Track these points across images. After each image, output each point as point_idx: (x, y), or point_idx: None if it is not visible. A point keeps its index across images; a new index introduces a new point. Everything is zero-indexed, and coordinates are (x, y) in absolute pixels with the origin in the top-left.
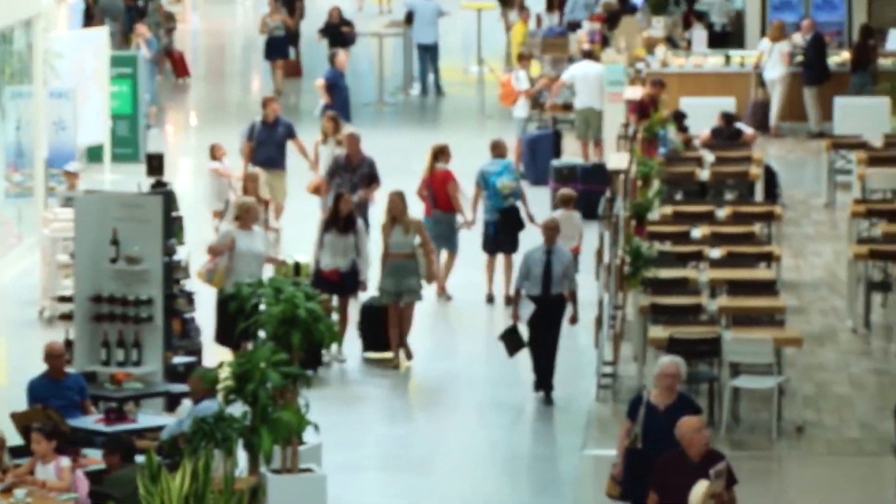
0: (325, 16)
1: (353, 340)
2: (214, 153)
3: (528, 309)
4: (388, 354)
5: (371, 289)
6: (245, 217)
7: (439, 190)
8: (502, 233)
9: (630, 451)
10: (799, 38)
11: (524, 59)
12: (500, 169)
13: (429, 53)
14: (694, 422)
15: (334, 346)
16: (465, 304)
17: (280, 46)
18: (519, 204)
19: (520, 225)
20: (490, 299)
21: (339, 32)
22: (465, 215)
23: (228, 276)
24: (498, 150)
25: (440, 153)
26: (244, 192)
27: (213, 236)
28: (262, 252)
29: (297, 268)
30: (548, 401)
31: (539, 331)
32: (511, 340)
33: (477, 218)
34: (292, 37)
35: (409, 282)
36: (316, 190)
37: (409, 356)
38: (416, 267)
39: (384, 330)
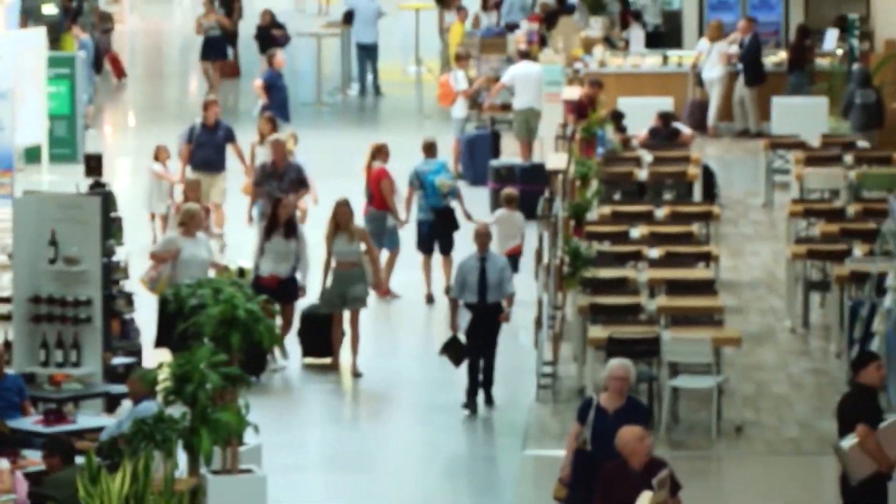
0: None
1: (291, 346)
2: (158, 155)
3: (466, 318)
4: (328, 360)
5: (311, 296)
6: (189, 224)
7: (374, 188)
8: (438, 233)
9: (579, 454)
10: (737, 38)
11: (462, 59)
12: (436, 168)
13: (368, 53)
14: (636, 431)
15: (279, 355)
16: (405, 303)
17: (216, 47)
18: (455, 204)
19: (455, 225)
20: (430, 299)
21: (269, 36)
22: (396, 215)
23: (172, 283)
24: (431, 150)
25: (378, 152)
26: (185, 200)
27: (151, 238)
28: (206, 259)
29: (241, 273)
30: (473, 408)
31: (477, 339)
32: (454, 351)
33: (410, 217)
34: (229, 37)
35: (354, 289)
36: (253, 195)
37: (356, 374)
38: (363, 275)
39: (323, 336)
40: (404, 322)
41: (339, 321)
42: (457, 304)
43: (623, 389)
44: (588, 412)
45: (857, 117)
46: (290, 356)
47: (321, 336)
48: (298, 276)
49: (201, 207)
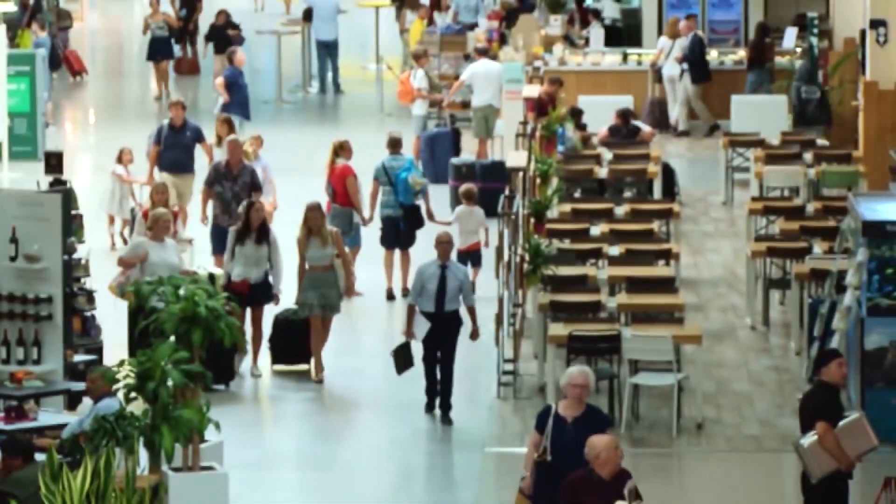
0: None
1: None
2: (121, 157)
3: (423, 327)
4: (302, 367)
5: (285, 301)
6: (157, 228)
7: (338, 184)
8: (403, 229)
9: (539, 464)
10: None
11: (421, 57)
12: (406, 165)
13: (328, 50)
14: (608, 440)
15: (249, 361)
16: (367, 300)
17: (162, 47)
18: (420, 201)
19: (421, 222)
20: (390, 295)
21: (224, 36)
22: (361, 212)
23: None
24: (396, 145)
25: (340, 149)
26: (152, 204)
27: (109, 242)
28: (175, 264)
29: (212, 280)
30: (445, 420)
31: (434, 349)
32: (401, 358)
33: (374, 214)
34: (189, 33)
35: (329, 294)
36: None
37: (319, 370)
38: (336, 279)
39: (296, 342)
40: (366, 319)
41: (318, 328)
42: (413, 310)
43: (582, 397)
44: (546, 420)
45: (802, 113)
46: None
47: (294, 342)
48: (272, 281)
49: (170, 211)
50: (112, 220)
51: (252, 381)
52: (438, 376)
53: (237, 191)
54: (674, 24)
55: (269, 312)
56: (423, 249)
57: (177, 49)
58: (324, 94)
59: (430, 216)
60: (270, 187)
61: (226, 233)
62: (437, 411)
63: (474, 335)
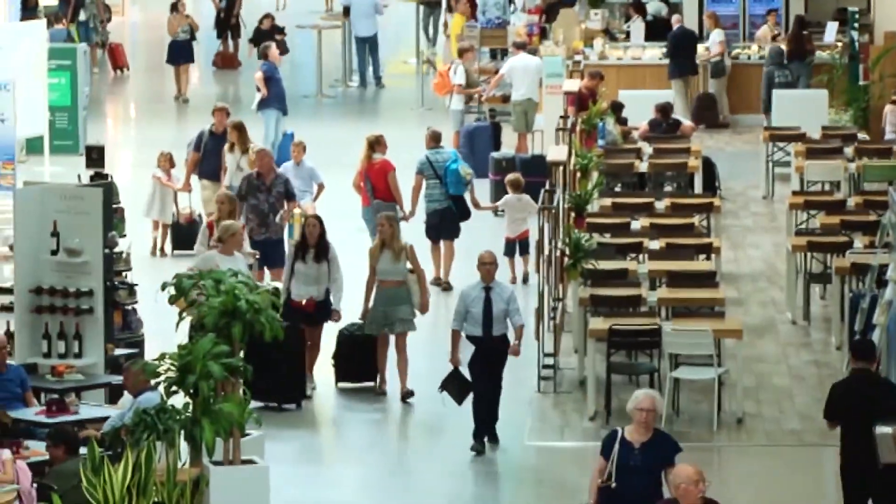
0: (258, 21)
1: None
2: (160, 162)
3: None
4: (368, 384)
5: (349, 317)
6: (229, 241)
7: (378, 180)
8: (449, 220)
9: (603, 489)
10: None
11: (466, 52)
12: (452, 157)
13: (367, 45)
14: (690, 472)
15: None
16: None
17: (183, 50)
18: (466, 192)
19: (467, 213)
20: (438, 283)
21: (269, 41)
22: (403, 208)
23: None
24: (437, 139)
25: (376, 143)
26: (219, 215)
27: (151, 247)
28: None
29: (276, 293)
30: (480, 449)
31: (480, 376)
32: (456, 386)
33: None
34: (232, 28)
35: (400, 311)
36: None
37: (406, 396)
38: (408, 295)
39: (362, 360)
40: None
41: (384, 343)
42: (458, 336)
43: (649, 422)
44: (613, 445)
45: (768, 97)
46: (318, 381)
47: (358, 360)
48: (332, 298)
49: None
50: (156, 226)
51: (313, 397)
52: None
53: (273, 202)
54: (710, 17)
55: (332, 327)
56: (467, 241)
57: (217, 43)
58: (364, 88)
59: (477, 205)
60: (314, 190)
61: (261, 246)
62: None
63: (515, 350)
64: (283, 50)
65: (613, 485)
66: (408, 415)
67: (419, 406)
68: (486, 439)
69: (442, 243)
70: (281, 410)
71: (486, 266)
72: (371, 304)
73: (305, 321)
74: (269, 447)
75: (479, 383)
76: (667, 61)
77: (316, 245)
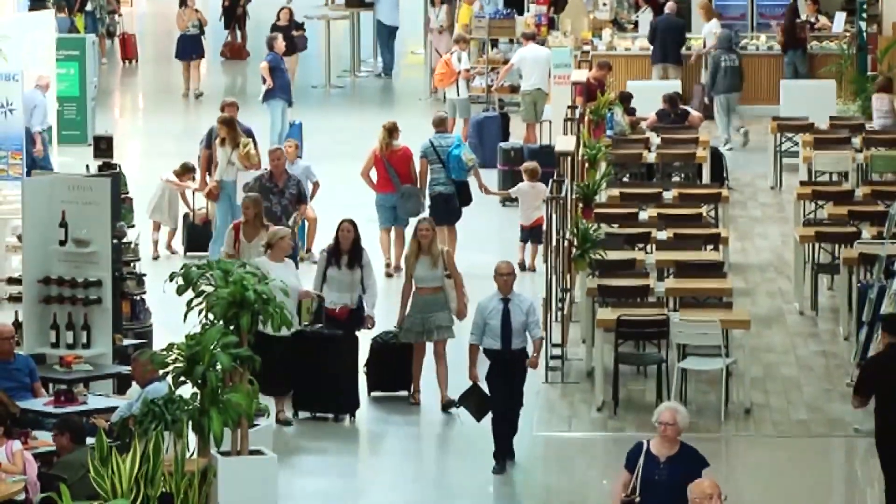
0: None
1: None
2: (183, 174)
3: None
4: (400, 393)
5: (382, 325)
6: (278, 247)
7: (402, 166)
8: (453, 204)
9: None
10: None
11: (460, 42)
12: (456, 142)
13: (390, 35)
14: (705, 486)
15: None
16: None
17: (193, 45)
18: (471, 178)
19: (469, 198)
20: None
21: (287, 37)
22: (424, 191)
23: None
24: (443, 124)
25: (394, 130)
26: (245, 219)
27: (152, 249)
28: (296, 286)
29: (322, 301)
30: (501, 469)
31: (499, 391)
32: (475, 401)
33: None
34: (238, 19)
35: (438, 318)
36: (209, 195)
37: (447, 405)
38: (446, 301)
39: (395, 369)
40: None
41: (420, 352)
42: (477, 350)
43: (672, 436)
44: (637, 459)
45: (723, 80)
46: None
47: (391, 369)
48: (365, 304)
49: (263, 227)
50: (157, 227)
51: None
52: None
53: (286, 205)
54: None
55: (364, 336)
56: (469, 224)
57: (225, 34)
58: (389, 76)
59: (485, 190)
60: (310, 189)
61: None
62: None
63: (533, 363)
64: (303, 46)
65: (637, 499)
66: (447, 425)
67: (453, 416)
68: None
69: (443, 229)
70: (338, 421)
71: (504, 277)
72: (407, 311)
73: (340, 329)
74: (305, 459)
75: (498, 399)
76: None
77: (349, 251)
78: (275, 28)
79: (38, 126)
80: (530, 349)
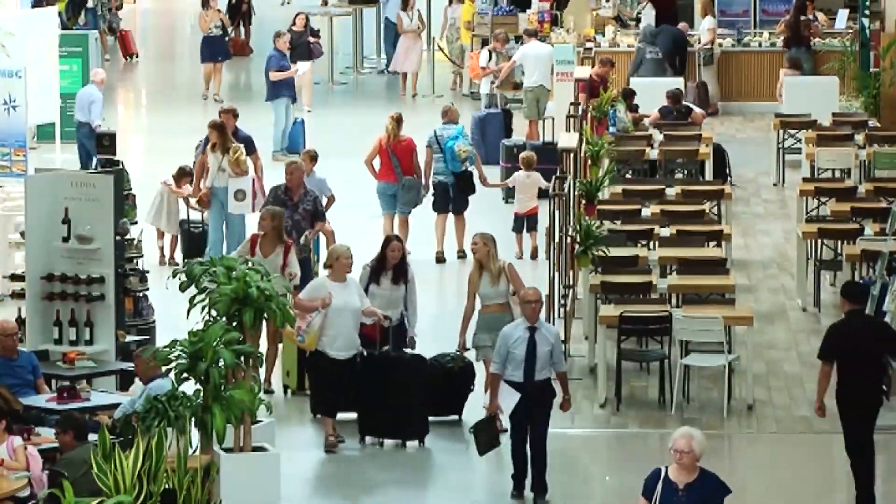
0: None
1: None
2: (180, 179)
3: (510, 399)
4: (453, 417)
5: (428, 344)
6: (338, 266)
7: (405, 157)
8: (455, 194)
9: None
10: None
11: (498, 40)
12: (455, 133)
13: (398, 32)
14: None
15: None
16: (417, 263)
17: (218, 47)
18: (472, 169)
19: (472, 188)
20: (440, 258)
21: (303, 43)
22: (428, 183)
23: (323, 336)
24: (449, 115)
25: (401, 121)
26: (262, 231)
27: (158, 256)
28: (358, 307)
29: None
30: (520, 494)
31: (523, 424)
32: (484, 435)
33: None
34: (243, 16)
35: None
36: (200, 202)
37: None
38: (512, 319)
39: (448, 393)
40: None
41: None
42: (499, 380)
43: (690, 463)
44: (655, 486)
45: (644, 71)
46: None
47: (445, 392)
48: (408, 322)
49: (282, 239)
50: (161, 234)
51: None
52: (529, 456)
53: (298, 220)
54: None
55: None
56: (476, 215)
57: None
58: (392, 73)
59: (484, 181)
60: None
61: None
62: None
63: (565, 405)
64: (318, 53)
65: None
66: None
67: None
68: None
69: (452, 217)
70: (403, 447)
71: (532, 304)
72: (473, 331)
73: (377, 345)
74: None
75: (519, 430)
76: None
77: (395, 266)
78: (290, 34)
79: (97, 120)
80: (555, 383)
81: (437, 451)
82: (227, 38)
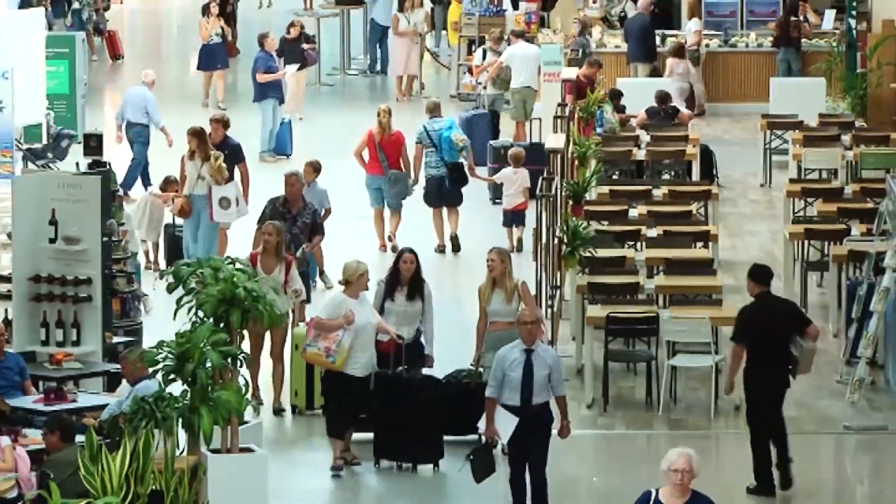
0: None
1: None
2: (166, 187)
3: (508, 424)
4: (471, 437)
5: (448, 362)
6: (357, 284)
7: (393, 151)
8: (449, 186)
9: None
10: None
11: (494, 40)
12: (447, 125)
13: (382, 34)
14: None
15: None
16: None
17: (218, 54)
18: (464, 159)
19: (465, 179)
20: (441, 249)
21: (297, 51)
22: (417, 177)
23: (351, 354)
24: (436, 109)
25: (390, 114)
26: (264, 247)
27: (143, 265)
28: (374, 324)
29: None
30: None
31: (520, 449)
32: (481, 462)
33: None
34: (226, 16)
35: None
36: (181, 212)
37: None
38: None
39: (466, 410)
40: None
41: None
42: (494, 404)
43: (686, 483)
44: None
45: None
46: None
47: (463, 410)
48: (425, 342)
49: (280, 256)
50: (143, 240)
51: None
52: (528, 485)
53: (296, 233)
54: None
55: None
56: (465, 212)
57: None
58: (380, 74)
59: (472, 172)
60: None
61: None
62: None
63: (564, 431)
64: (313, 60)
65: None
66: None
67: None
68: None
69: (446, 210)
70: (413, 472)
71: (528, 326)
72: (482, 348)
73: (391, 364)
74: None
75: (517, 457)
76: (665, 49)
77: (410, 281)
78: (284, 41)
79: (161, 122)
80: (553, 406)
81: (453, 474)
82: (226, 46)
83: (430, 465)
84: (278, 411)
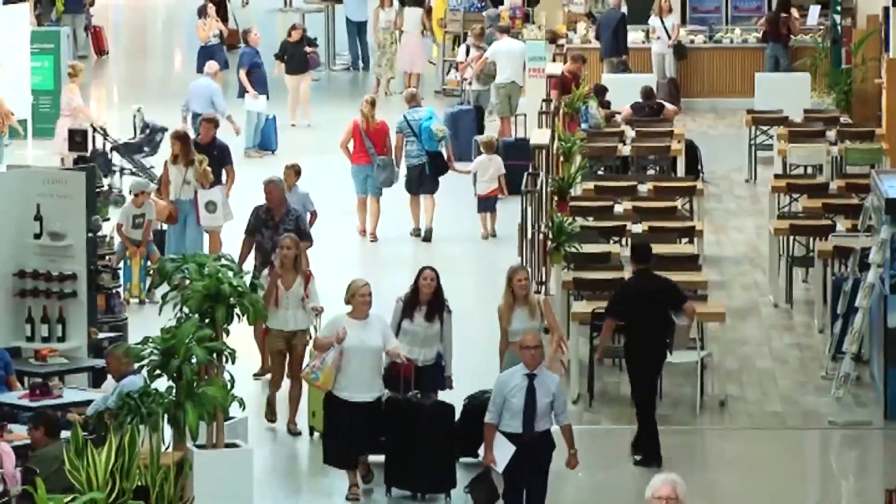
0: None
1: None
2: (159, 188)
3: (506, 451)
4: None
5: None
6: (353, 302)
7: (378, 139)
8: (428, 175)
9: None
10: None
11: (476, 36)
12: (427, 115)
13: (357, 29)
14: None
15: None
16: (389, 241)
17: (216, 56)
18: (443, 149)
19: (444, 168)
20: (417, 233)
21: (299, 55)
22: (399, 165)
23: (340, 376)
24: (415, 99)
25: (375, 104)
26: (282, 261)
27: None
28: (379, 347)
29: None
30: None
31: (520, 478)
32: (485, 491)
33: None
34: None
35: None
36: (169, 218)
37: None
38: (543, 359)
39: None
40: (396, 259)
41: None
42: (494, 431)
43: None
44: None
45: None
46: None
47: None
48: (445, 364)
49: (297, 270)
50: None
51: None
52: None
53: (279, 240)
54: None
55: (453, 396)
56: (445, 193)
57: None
58: (357, 70)
59: (451, 163)
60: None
61: None
62: None
63: (572, 462)
64: (315, 64)
65: None
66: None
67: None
68: None
69: (422, 198)
70: (426, 500)
71: (531, 351)
72: (504, 368)
73: (402, 388)
74: None
75: (515, 486)
76: (649, 45)
77: (430, 301)
78: (285, 45)
79: (227, 111)
80: (556, 435)
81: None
82: (223, 47)
83: (442, 495)
84: (293, 433)
